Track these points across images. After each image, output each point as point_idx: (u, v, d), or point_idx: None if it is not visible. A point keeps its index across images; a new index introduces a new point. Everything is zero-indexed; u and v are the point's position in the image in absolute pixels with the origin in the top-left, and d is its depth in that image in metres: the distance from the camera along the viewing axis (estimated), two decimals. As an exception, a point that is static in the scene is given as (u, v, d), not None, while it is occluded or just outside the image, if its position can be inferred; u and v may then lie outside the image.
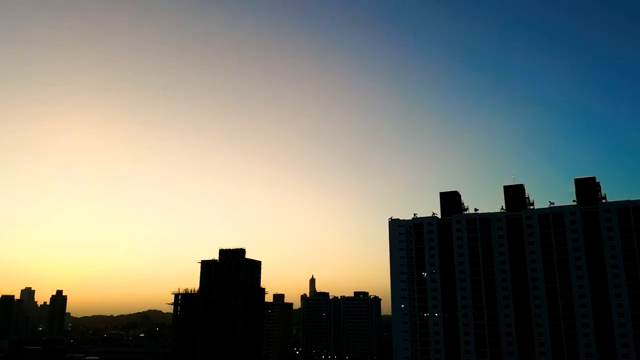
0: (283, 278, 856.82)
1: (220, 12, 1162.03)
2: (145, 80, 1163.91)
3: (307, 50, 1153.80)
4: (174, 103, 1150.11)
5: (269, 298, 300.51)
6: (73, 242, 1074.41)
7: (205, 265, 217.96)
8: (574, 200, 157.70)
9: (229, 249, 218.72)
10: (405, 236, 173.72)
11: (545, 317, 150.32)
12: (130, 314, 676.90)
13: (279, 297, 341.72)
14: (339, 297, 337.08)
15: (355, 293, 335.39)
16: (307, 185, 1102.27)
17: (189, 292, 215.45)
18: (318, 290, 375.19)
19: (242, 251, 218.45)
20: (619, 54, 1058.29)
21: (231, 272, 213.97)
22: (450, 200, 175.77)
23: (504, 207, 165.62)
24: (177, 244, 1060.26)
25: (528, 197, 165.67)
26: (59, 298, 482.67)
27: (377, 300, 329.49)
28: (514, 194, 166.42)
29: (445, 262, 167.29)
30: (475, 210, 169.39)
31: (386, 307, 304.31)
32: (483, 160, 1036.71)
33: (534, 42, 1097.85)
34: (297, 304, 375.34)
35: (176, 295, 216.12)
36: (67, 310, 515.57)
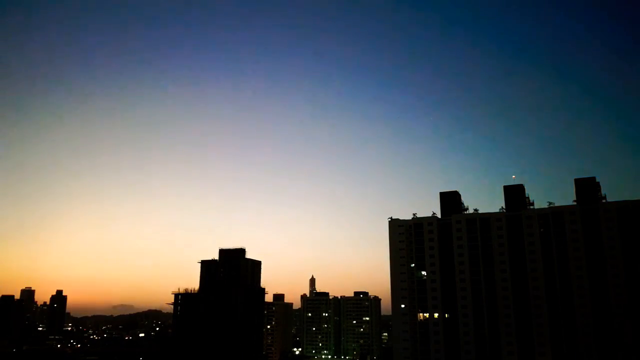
0: (283, 278, 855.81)
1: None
2: (145, 83, 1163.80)
3: (295, 57, 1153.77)
4: (175, 104, 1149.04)
5: (269, 298, 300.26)
6: (73, 242, 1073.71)
7: (205, 265, 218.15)
8: (574, 200, 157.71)
9: (229, 249, 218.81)
10: (405, 236, 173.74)
11: (546, 317, 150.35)
12: (130, 314, 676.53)
13: (279, 297, 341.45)
14: (339, 297, 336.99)
15: (355, 293, 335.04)
16: (307, 185, 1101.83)
17: (189, 292, 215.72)
18: (318, 290, 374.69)
19: (242, 251, 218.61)
20: (618, 53, 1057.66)
21: (231, 272, 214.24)
22: (450, 200, 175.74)
23: (504, 207, 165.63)
24: (177, 244, 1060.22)
25: (528, 197, 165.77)
26: (59, 298, 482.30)
27: (377, 300, 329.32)
28: (514, 194, 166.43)
29: (445, 262, 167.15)
30: (475, 210, 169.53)
31: (386, 307, 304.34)
32: (483, 160, 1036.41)
33: (532, 42, 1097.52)
34: (297, 304, 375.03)
35: (176, 295, 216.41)
36: (67, 310, 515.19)
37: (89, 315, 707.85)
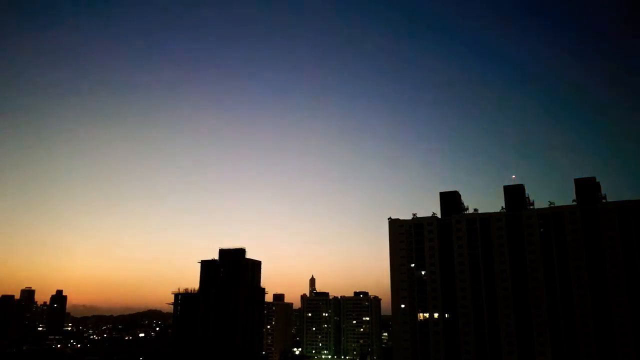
0: (283, 278, 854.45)
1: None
2: (147, 86, 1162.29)
3: (294, 59, 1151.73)
4: (175, 104, 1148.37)
5: (269, 298, 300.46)
6: (73, 242, 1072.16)
7: (205, 265, 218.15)
8: (574, 200, 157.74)
9: (229, 249, 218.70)
10: (405, 236, 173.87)
11: (545, 317, 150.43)
12: (130, 314, 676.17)
13: (279, 297, 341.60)
14: (339, 297, 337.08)
15: (355, 293, 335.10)
16: (307, 185, 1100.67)
17: (189, 292, 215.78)
18: (318, 290, 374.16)
19: (242, 251, 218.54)
20: (618, 53, 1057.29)
21: (231, 272, 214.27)
22: (450, 200, 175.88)
23: (504, 207, 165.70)
24: (177, 243, 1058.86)
25: (528, 197, 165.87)
26: (59, 298, 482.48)
27: (377, 300, 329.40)
28: (514, 194, 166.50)
29: (445, 262, 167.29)
30: (475, 210, 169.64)
31: (386, 307, 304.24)
32: (483, 160, 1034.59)
33: (531, 42, 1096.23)
34: (297, 304, 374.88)
35: (176, 295, 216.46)
36: (67, 310, 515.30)
37: (89, 315, 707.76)
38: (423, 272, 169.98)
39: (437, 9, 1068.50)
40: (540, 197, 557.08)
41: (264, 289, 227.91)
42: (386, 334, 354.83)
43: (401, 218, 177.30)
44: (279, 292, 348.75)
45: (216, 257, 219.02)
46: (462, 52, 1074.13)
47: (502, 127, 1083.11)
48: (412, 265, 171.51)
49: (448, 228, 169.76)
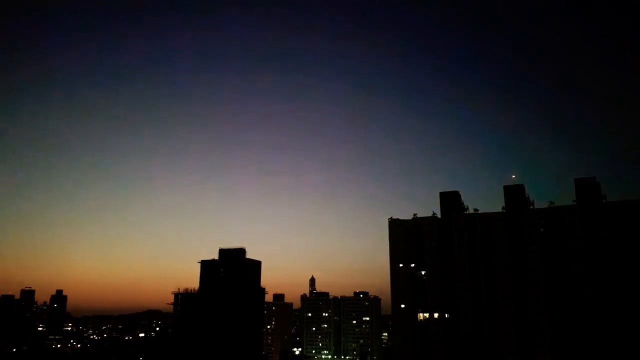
0: (283, 278, 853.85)
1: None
2: (148, 86, 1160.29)
3: (293, 57, 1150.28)
4: (175, 104, 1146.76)
5: (269, 298, 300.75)
6: (73, 242, 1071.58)
7: (205, 265, 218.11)
8: (574, 200, 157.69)
9: (229, 249, 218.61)
10: (406, 236, 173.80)
11: (546, 317, 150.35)
12: (130, 314, 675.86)
13: (279, 297, 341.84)
14: (339, 297, 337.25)
15: (355, 293, 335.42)
16: (307, 185, 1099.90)
17: (189, 292, 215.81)
18: (318, 290, 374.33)
19: (242, 251, 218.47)
20: (618, 52, 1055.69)
21: (231, 272, 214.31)
22: (450, 200, 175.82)
23: (504, 207, 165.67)
24: (177, 243, 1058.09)
25: (528, 197, 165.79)
26: (59, 298, 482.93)
27: (377, 300, 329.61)
28: (514, 194, 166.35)
29: (445, 262, 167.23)
30: (475, 210, 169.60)
31: (386, 307, 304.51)
32: (483, 160, 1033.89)
33: (532, 43, 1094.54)
34: (297, 304, 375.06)
35: (176, 295, 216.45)
36: (67, 310, 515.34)
37: (89, 315, 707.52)
38: (423, 272, 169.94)
39: (437, 9, 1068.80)
40: (540, 197, 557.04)
41: (264, 289, 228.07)
42: (386, 334, 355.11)
43: (401, 218, 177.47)
44: (279, 292, 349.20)
45: (216, 257, 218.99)
46: (462, 52, 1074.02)
47: (502, 126, 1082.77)
48: (412, 265, 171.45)
49: (448, 228, 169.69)
